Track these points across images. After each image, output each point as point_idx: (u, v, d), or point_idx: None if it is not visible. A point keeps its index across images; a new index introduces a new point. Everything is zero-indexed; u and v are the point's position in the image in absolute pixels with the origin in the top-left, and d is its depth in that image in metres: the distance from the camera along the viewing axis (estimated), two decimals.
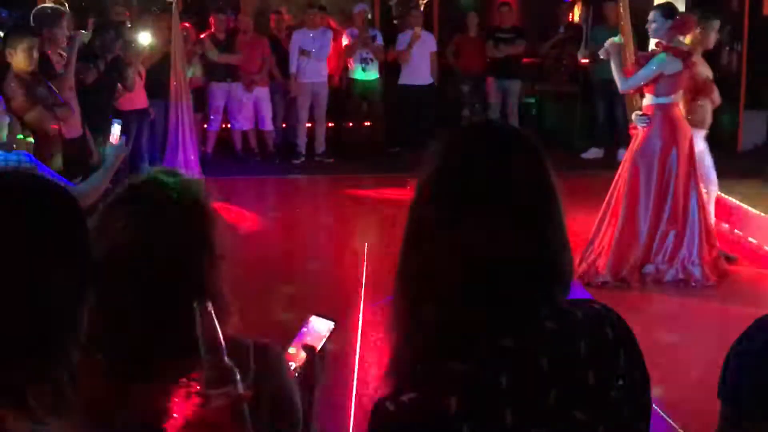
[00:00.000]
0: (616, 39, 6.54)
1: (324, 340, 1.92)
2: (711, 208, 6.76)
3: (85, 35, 7.47)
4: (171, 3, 9.42)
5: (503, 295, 1.32)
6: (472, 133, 1.39)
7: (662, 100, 6.33)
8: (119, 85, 7.93)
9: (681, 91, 6.40)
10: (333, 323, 1.95)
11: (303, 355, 1.88)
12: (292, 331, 1.92)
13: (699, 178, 6.46)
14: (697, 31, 6.65)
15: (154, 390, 1.59)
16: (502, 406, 1.29)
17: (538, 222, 1.34)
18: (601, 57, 6.65)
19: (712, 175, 6.81)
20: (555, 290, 1.37)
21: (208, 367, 1.49)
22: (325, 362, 1.92)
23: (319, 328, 1.93)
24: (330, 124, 11.17)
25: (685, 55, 6.29)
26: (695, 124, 6.54)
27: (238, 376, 1.50)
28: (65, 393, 1.24)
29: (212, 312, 1.51)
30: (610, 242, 6.36)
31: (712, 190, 6.82)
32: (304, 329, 1.93)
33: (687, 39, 6.59)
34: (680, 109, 6.41)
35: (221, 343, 1.50)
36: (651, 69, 6.31)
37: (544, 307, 1.35)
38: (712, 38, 6.76)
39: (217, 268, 1.69)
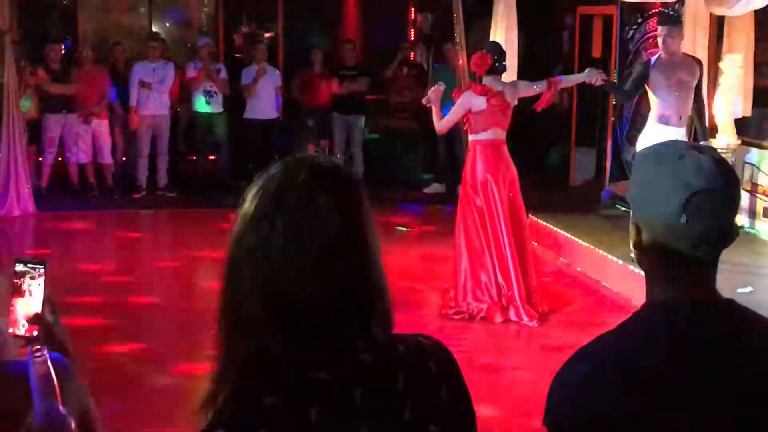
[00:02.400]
0: (440, 85, 6.57)
1: (40, 303, 1.64)
2: None
3: None
4: (4, 32, 9.07)
5: (315, 329, 1.33)
6: (286, 171, 1.38)
7: (478, 136, 6.48)
8: None
9: (500, 129, 6.46)
10: (42, 267, 1.64)
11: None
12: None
13: (523, 213, 6.60)
14: (660, 39, 6.80)
15: None
16: None
17: (351, 257, 1.35)
18: (423, 103, 6.73)
19: None
20: (372, 324, 1.37)
21: (39, 414, 1.45)
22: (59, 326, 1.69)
23: (32, 286, 1.64)
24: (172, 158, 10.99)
25: (487, 92, 6.39)
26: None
27: (73, 425, 1.47)
28: None
29: (47, 358, 1.47)
30: (458, 275, 6.47)
31: None
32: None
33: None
34: (503, 146, 6.47)
35: (56, 390, 1.46)
36: (457, 107, 6.49)
37: (360, 340, 1.35)
38: (677, 44, 6.81)
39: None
